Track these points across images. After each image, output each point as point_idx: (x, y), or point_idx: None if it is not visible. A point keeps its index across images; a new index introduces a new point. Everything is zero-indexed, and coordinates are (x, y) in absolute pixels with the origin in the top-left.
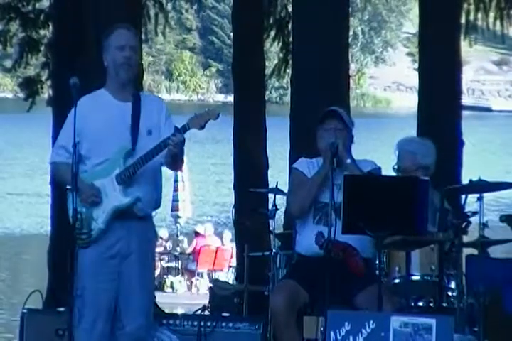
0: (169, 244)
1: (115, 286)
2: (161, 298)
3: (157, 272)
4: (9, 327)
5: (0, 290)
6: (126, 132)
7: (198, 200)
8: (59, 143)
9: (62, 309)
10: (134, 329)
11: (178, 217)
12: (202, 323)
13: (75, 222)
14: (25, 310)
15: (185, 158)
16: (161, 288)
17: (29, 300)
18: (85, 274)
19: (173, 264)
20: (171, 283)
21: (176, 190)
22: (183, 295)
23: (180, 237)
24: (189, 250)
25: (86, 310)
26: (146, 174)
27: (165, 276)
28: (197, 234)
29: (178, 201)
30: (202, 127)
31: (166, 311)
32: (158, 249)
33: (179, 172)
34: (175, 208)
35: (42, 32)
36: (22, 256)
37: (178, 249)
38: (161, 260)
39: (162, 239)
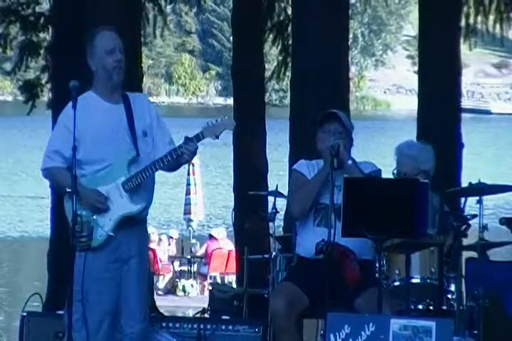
0: (181, 244)
1: (117, 291)
2: (173, 301)
3: (169, 276)
4: (9, 330)
5: None
6: (125, 136)
7: (209, 203)
8: (52, 148)
9: (61, 312)
10: (136, 332)
11: (190, 220)
12: (202, 326)
13: (75, 225)
14: (24, 313)
15: (197, 162)
16: (173, 291)
17: (29, 303)
18: (88, 279)
19: (185, 268)
20: (183, 286)
21: (188, 193)
22: (196, 299)
23: (193, 241)
24: (200, 253)
25: (90, 313)
26: (147, 181)
27: (177, 280)
28: (211, 237)
29: (190, 204)
30: (217, 137)
31: (178, 314)
32: (171, 251)
33: (191, 176)
34: (187, 211)
35: (42, 35)
36: (22, 259)
37: (182, 251)
38: (173, 263)
39: (172, 238)
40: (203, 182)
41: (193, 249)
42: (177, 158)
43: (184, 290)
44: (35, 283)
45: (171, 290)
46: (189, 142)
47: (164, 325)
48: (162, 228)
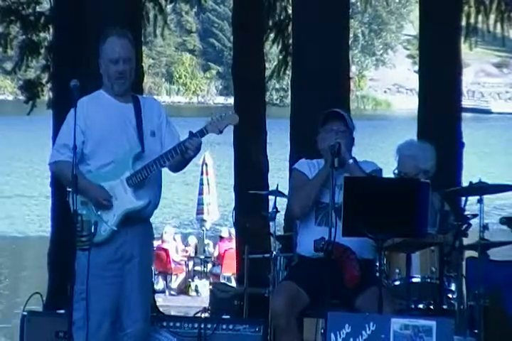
0: (195, 249)
1: (118, 289)
2: (185, 301)
3: (183, 276)
4: (9, 330)
5: (0, 292)
6: (132, 133)
7: (224, 203)
8: (61, 142)
9: (62, 311)
10: (136, 331)
11: (203, 220)
12: (202, 325)
13: (75, 224)
14: (25, 313)
15: (210, 162)
16: (185, 291)
17: (29, 302)
18: (90, 277)
19: (199, 268)
20: (196, 286)
21: (201, 193)
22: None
23: (206, 241)
24: (215, 254)
25: (91, 312)
26: (153, 176)
27: (189, 280)
28: (221, 237)
29: (203, 204)
30: (220, 132)
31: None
32: (185, 255)
33: (204, 176)
34: (200, 211)
35: (42, 34)
36: (22, 258)
37: (196, 251)
38: (187, 264)
39: (190, 245)
40: (217, 182)
41: (206, 249)
42: (181, 154)
43: (197, 291)
44: (35, 282)
45: (184, 290)
46: (193, 137)
47: (165, 324)
48: (177, 227)
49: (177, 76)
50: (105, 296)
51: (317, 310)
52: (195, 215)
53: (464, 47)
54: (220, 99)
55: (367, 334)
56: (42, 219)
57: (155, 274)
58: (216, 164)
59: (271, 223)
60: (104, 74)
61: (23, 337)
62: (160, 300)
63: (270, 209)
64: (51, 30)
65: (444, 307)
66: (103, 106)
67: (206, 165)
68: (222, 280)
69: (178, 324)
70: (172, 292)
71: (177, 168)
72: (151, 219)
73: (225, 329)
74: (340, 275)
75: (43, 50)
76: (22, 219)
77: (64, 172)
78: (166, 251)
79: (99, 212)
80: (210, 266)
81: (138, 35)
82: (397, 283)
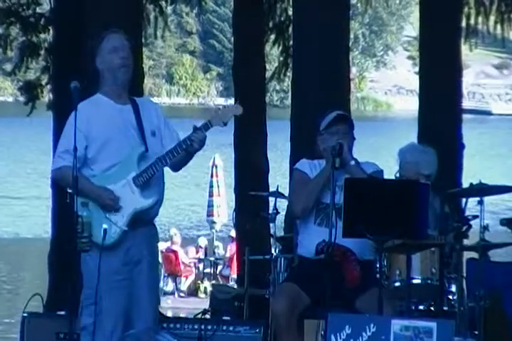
0: (205, 251)
1: (128, 292)
2: (195, 303)
3: (192, 278)
4: (10, 331)
5: (0, 293)
6: (134, 134)
7: (233, 205)
8: (63, 148)
9: (62, 312)
10: (142, 332)
11: (213, 222)
12: (203, 327)
13: (76, 226)
14: (25, 314)
15: (220, 163)
16: (195, 293)
17: (29, 303)
18: (101, 282)
19: (208, 270)
20: (205, 288)
21: (211, 195)
22: None
23: (216, 243)
24: (227, 255)
25: (105, 316)
26: (157, 175)
27: (199, 282)
28: (233, 238)
29: (213, 206)
30: (225, 124)
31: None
32: (195, 257)
33: (214, 178)
34: (210, 213)
35: (42, 36)
36: (23, 260)
37: (206, 253)
38: (196, 266)
39: (201, 247)
40: (227, 184)
41: (216, 251)
42: (186, 148)
43: (206, 292)
44: (36, 283)
45: (193, 292)
46: (198, 131)
47: (165, 325)
48: (186, 229)
49: (177, 77)
50: (118, 299)
51: (317, 312)
52: (205, 217)
53: (464, 48)
54: (221, 101)
55: (367, 335)
56: (43, 220)
57: (164, 276)
58: (226, 166)
59: (271, 224)
60: (104, 71)
61: (24, 338)
62: (169, 301)
63: (270, 211)
64: (51, 31)
65: (445, 308)
66: (103, 109)
67: (216, 167)
68: (231, 282)
69: (178, 325)
70: (181, 294)
71: (180, 165)
72: (157, 222)
73: (225, 331)
74: (340, 276)
75: (42, 52)
76: (23, 220)
77: (67, 177)
78: (175, 253)
79: (107, 215)
80: (219, 267)
81: (138, 37)
82: (397, 284)
